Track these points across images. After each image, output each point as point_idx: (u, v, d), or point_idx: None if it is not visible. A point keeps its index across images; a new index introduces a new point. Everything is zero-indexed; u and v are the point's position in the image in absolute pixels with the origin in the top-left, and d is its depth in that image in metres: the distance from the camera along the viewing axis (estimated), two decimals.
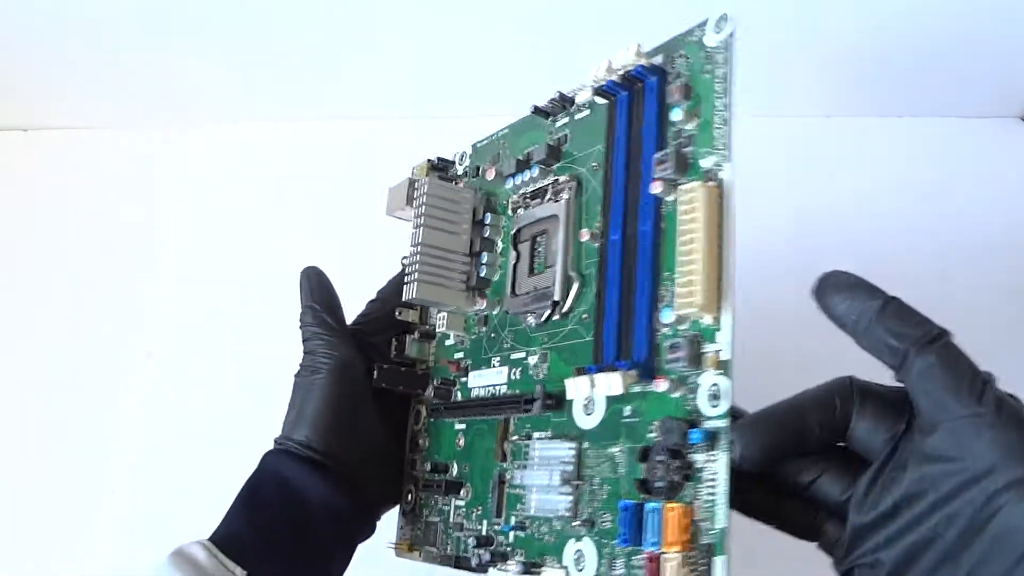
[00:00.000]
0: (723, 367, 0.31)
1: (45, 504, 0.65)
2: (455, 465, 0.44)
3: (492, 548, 0.39)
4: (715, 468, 0.30)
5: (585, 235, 0.39)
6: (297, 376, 0.46)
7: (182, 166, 0.75)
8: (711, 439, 0.30)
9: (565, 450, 0.36)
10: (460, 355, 0.46)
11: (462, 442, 0.45)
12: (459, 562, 0.42)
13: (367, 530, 0.47)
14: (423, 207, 0.45)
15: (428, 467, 0.45)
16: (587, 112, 0.41)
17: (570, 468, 0.36)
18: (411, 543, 0.47)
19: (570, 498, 0.36)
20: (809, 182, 0.66)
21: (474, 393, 0.44)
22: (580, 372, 0.36)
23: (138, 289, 0.71)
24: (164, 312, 0.69)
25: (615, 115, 0.39)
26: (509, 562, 0.38)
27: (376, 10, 0.64)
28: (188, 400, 0.62)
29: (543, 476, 0.37)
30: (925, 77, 0.65)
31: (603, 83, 0.38)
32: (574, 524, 0.35)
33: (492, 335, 0.44)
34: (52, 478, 0.66)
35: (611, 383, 0.33)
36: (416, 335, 0.49)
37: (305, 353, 0.46)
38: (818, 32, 0.62)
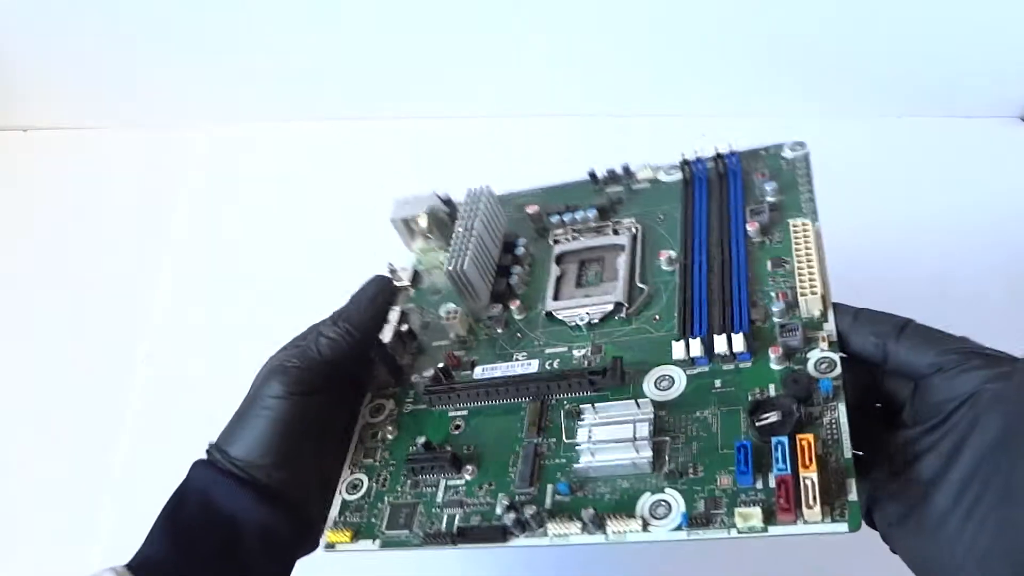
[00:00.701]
0: (834, 346, 0.38)
1: (42, 507, 0.61)
2: (449, 447, 0.41)
3: (530, 507, 0.37)
4: (835, 414, 0.35)
5: (663, 256, 0.44)
6: (263, 379, 0.41)
7: (182, 166, 0.74)
8: (835, 391, 0.36)
9: (646, 410, 0.38)
10: (460, 354, 0.45)
11: (461, 427, 0.42)
12: (464, 534, 0.37)
13: (308, 546, 0.42)
14: (480, 205, 0.47)
15: (419, 443, 0.41)
16: (647, 186, 0.50)
17: (647, 425, 0.37)
18: (356, 531, 0.40)
19: (650, 453, 0.37)
20: None
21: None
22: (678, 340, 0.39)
23: (137, 290, 0.69)
24: (163, 313, 0.67)
25: (693, 187, 0.47)
26: (554, 523, 0.36)
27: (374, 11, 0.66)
28: (187, 402, 0.53)
29: (618, 432, 0.37)
30: (925, 77, 0.66)
31: (695, 160, 0.47)
32: (662, 476, 0.36)
33: (517, 335, 0.45)
34: (50, 481, 0.62)
35: (735, 341, 0.38)
36: (404, 327, 0.47)
37: (288, 356, 0.42)
38: (818, 32, 0.63)
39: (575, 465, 0.38)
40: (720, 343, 0.38)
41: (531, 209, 0.50)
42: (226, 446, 0.40)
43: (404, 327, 0.47)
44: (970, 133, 0.68)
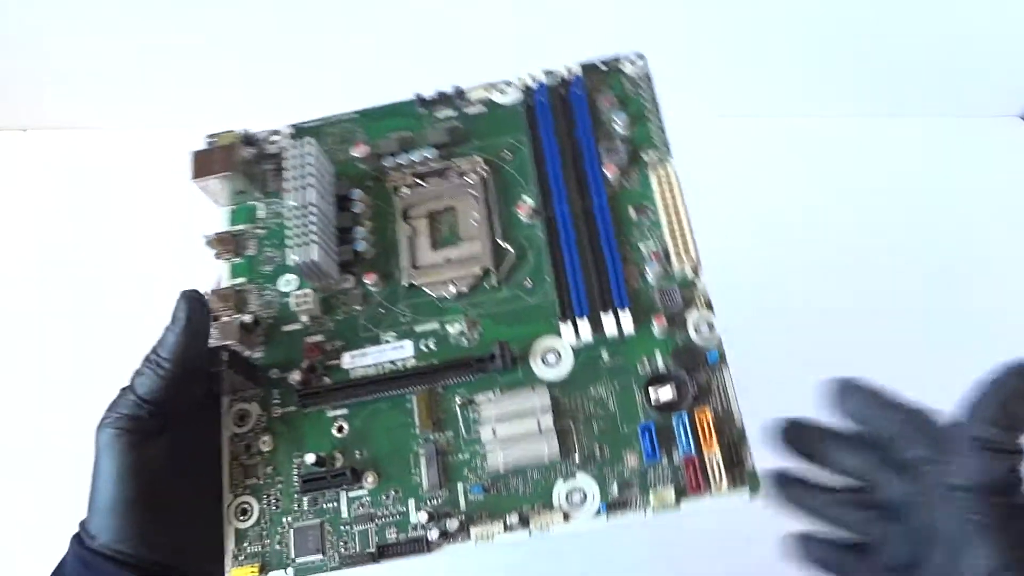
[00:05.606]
0: (709, 306, 0.39)
1: (43, 510, 0.58)
2: (340, 455, 0.39)
3: (452, 519, 0.37)
4: (722, 379, 0.38)
5: (523, 209, 0.42)
6: (95, 441, 0.36)
7: (181, 166, 0.64)
8: (721, 358, 0.38)
9: (543, 398, 0.38)
10: (319, 338, 0.42)
11: (344, 428, 0.40)
12: (385, 550, 0.37)
13: None
14: (307, 167, 0.41)
15: (309, 461, 0.38)
16: (483, 108, 0.45)
17: (550, 415, 0.38)
18: (264, 563, 0.38)
19: (555, 442, 0.37)
20: (810, 182, 0.65)
21: (358, 374, 0.41)
22: (565, 320, 0.39)
23: (137, 290, 0.68)
24: (163, 313, 0.56)
25: (536, 113, 0.44)
26: (478, 527, 0.37)
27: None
28: None
29: (519, 427, 0.38)
30: (925, 77, 0.66)
31: (537, 84, 0.44)
32: (573, 462, 0.37)
33: (380, 311, 0.42)
34: (49, 484, 0.60)
35: (624, 321, 0.38)
36: (246, 317, 0.42)
37: (109, 409, 0.37)
38: (818, 32, 0.63)
39: (486, 465, 0.38)
40: (609, 323, 0.38)
41: (360, 151, 0.44)
42: (90, 529, 0.35)
43: (247, 317, 0.42)
44: (970, 133, 0.69)
